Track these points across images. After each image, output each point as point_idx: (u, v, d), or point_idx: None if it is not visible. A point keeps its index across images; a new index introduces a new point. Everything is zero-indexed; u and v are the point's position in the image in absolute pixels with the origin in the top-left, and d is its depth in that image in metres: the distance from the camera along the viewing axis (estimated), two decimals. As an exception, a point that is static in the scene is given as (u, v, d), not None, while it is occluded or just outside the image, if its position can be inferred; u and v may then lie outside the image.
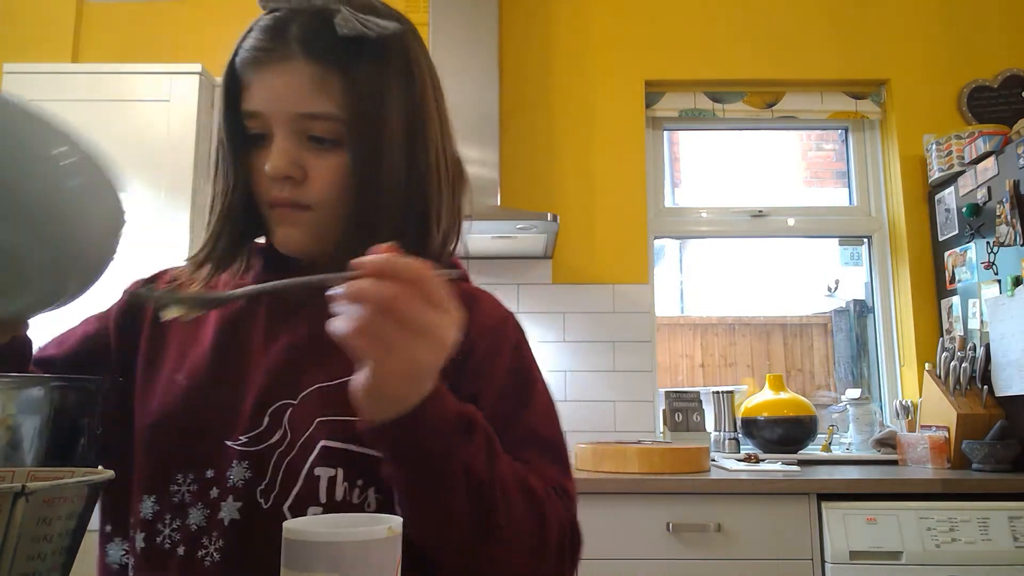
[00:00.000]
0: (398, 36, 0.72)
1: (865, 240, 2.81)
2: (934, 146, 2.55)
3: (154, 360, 0.76)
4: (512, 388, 0.74)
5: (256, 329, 0.75)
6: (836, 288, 2.92)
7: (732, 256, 3.00)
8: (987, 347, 2.22)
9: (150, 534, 0.68)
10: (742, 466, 2.09)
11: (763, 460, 2.20)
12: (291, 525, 0.46)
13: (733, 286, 2.99)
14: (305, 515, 0.66)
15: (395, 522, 0.47)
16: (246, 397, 0.70)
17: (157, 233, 2.25)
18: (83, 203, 0.55)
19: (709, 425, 2.48)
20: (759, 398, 2.49)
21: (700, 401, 2.49)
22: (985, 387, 2.20)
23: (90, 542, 1.94)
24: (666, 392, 2.52)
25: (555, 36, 2.82)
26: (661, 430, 2.53)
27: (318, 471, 0.67)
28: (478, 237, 2.32)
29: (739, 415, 2.49)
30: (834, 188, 3.00)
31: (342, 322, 0.51)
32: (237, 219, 0.75)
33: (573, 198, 2.70)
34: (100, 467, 0.52)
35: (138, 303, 0.82)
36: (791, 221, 2.79)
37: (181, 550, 0.66)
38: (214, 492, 0.67)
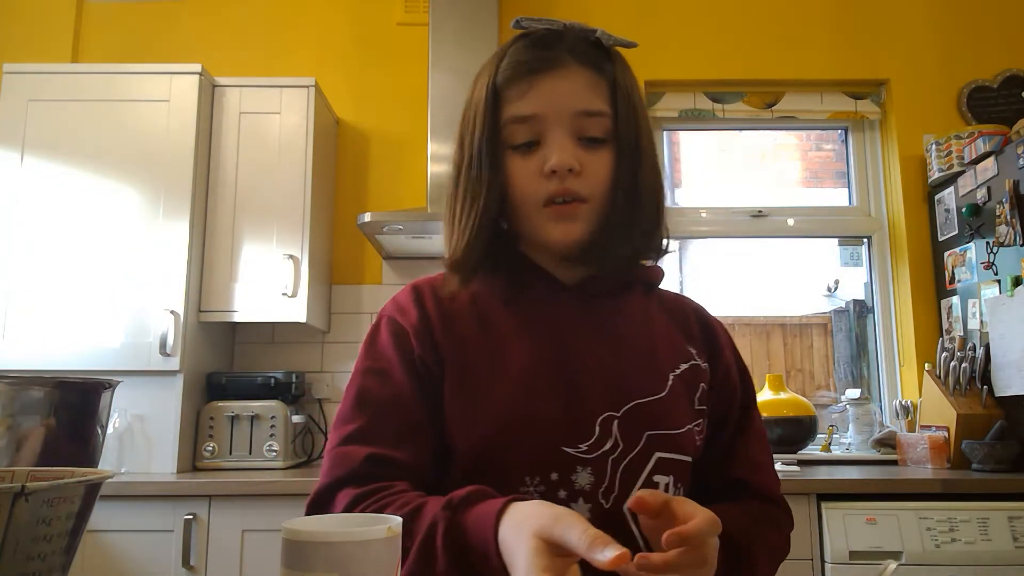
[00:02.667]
0: (623, 56, 0.85)
1: (865, 240, 2.81)
2: (934, 146, 2.55)
3: (466, 366, 0.78)
4: (744, 386, 0.89)
5: (573, 336, 0.80)
6: (836, 288, 2.92)
7: (732, 256, 2.99)
8: (987, 347, 2.22)
9: None
10: (742, 466, 2.09)
11: (763, 460, 2.20)
12: (291, 525, 0.46)
13: (733, 286, 2.99)
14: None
15: (395, 522, 0.47)
16: (578, 406, 0.76)
17: (156, 234, 2.25)
18: None
19: (709, 425, 2.48)
20: (759, 398, 2.48)
21: (700, 401, 2.48)
22: (985, 387, 2.20)
23: (89, 541, 1.92)
24: (666, 392, 2.51)
25: (555, 36, 2.81)
26: (661, 430, 2.52)
27: (656, 478, 0.76)
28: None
29: (739, 415, 2.49)
30: (834, 188, 3.00)
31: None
32: (491, 228, 0.80)
33: (573, 198, 2.69)
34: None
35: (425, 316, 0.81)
36: (791, 221, 2.79)
37: None
38: (562, 494, 0.73)
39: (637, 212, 0.79)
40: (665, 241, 0.84)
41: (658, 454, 0.77)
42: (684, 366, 0.83)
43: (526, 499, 0.61)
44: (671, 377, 0.81)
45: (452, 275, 0.81)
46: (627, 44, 0.83)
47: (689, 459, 0.80)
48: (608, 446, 0.75)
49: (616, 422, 0.76)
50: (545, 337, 0.79)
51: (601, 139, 0.78)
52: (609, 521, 0.73)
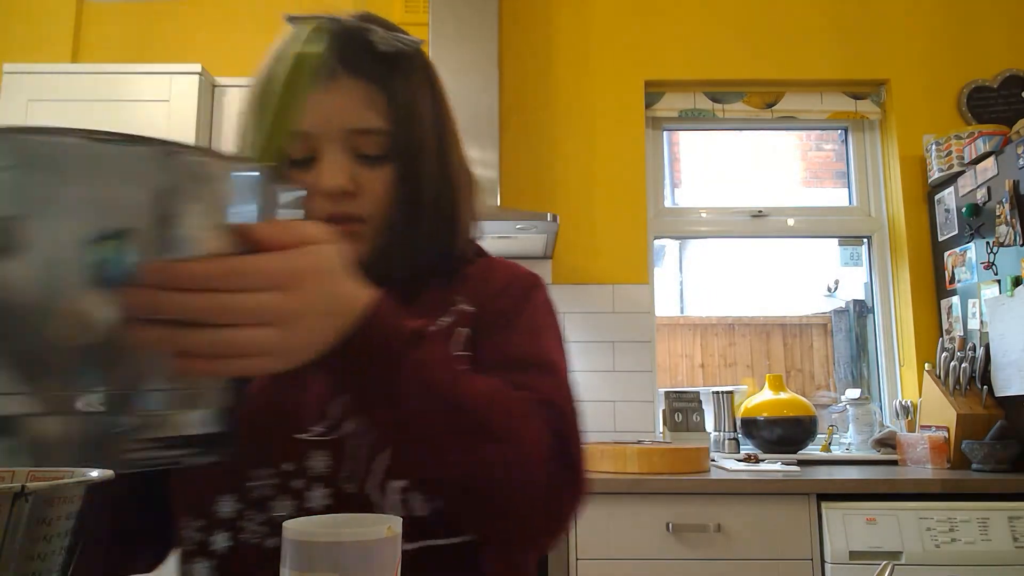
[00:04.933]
0: (419, 51, 0.79)
1: (865, 240, 2.81)
2: (934, 146, 2.55)
3: None
4: (505, 317, 0.77)
5: None
6: (836, 288, 2.92)
7: (732, 256, 3.00)
8: (987, 347, 2.22)
9: (235, 532, 0.70)
10: (742, 466, 2.09)
11: (763, 460, 2.20)
12: (291, 525, 0.46)
13: (733, 286, 2.99)
14: (387, 497, 0.69)
15: (395, 522, 0.47)
16: (309, 389, 0.72)
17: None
18: None
19: (709, 425, 2.48)
20: (759, 398, 2.50)
21: (700, 401, 2.49)
22: (985, 387, 2.21)
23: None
24: (666, 392, 2.52)
25: (555, 36, 2.82)
26: (661, 430, 2.53)
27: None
28: (478, 237, 2.32)
29: (739, 415, 2.49)
30: (834, 188, 3.00)
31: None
32: None
33: (573, 198, 2.70)
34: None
35: None
36: (791, 221, 2.80)
37: (271, 542, 0.69)
38: (298, 483, 0.70)
39: (415, 228, 0.76)
40: (464, 236, 0.81)
41: None
42: (442, 321, 0.76)
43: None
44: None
45: None
46: (409, 45, 0.76)
47: None
48: (349, 427, 0.70)
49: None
50: None
51: (380, 156, 0.74)
52: (353, 508, 0.68)
